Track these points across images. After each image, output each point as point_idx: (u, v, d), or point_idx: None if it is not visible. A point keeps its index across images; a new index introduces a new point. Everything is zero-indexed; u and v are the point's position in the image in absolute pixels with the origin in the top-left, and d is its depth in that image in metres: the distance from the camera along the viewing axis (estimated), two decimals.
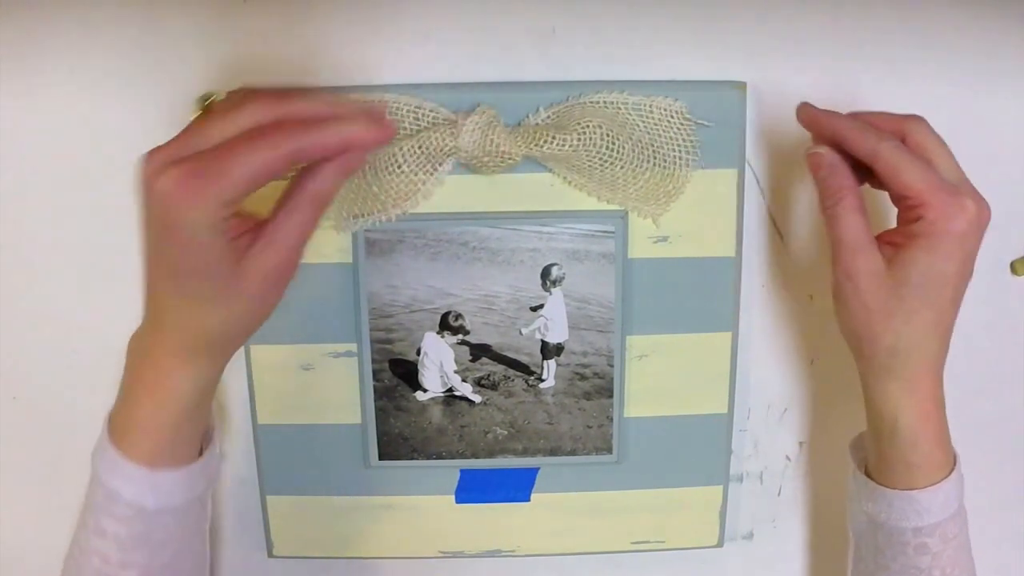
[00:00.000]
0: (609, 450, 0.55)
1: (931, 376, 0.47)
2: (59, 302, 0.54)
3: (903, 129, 0.46)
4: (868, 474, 0.50)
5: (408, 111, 0.50)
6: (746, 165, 0.52)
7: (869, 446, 0.50)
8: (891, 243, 0.46)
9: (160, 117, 0.51)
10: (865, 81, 0.52)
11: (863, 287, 0.45)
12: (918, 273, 0.44)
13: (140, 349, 0.44)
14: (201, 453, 0.47)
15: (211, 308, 0.42)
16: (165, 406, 0.44)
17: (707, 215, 0.52)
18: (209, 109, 0.44)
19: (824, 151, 0.47)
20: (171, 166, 0.38)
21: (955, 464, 0.48)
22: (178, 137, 0.40)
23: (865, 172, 0.46)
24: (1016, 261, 0.55)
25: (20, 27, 0.50)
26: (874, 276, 0.45)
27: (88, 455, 0.56)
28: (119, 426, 0.44)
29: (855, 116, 0.47)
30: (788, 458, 0.58)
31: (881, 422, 0.48)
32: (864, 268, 0.45)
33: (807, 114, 0.48)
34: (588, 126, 0.50)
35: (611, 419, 0.55)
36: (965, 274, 0.45)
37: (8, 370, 0.55)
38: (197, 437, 0.46)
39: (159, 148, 0.40)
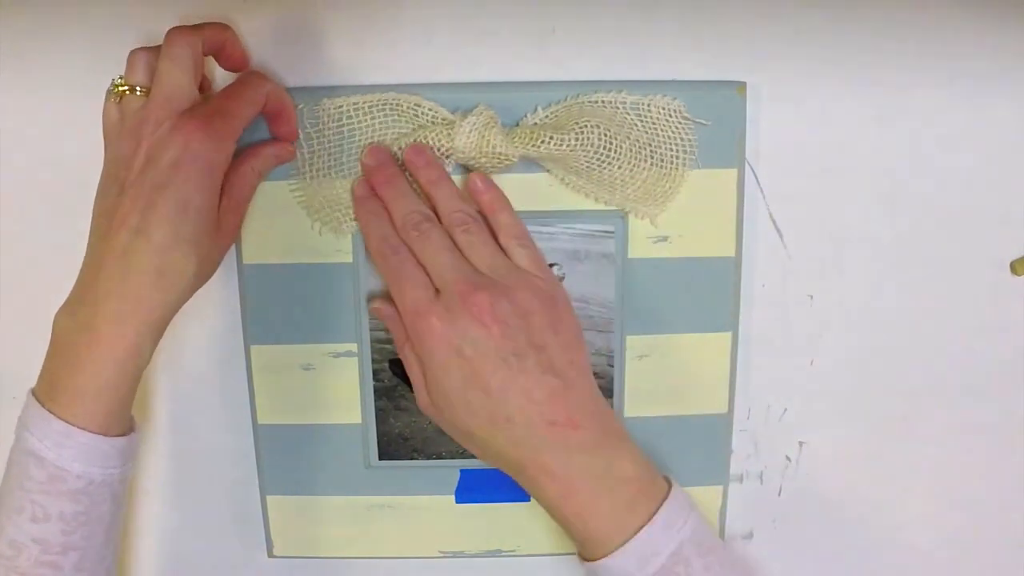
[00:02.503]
0: None
1: (543, 459, 0.45)
2: (59, 302, 0.54)
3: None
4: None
5: (407, 108, 0.50)
6: (746, 165, 0.52)
7: None
8: None
9: None
10: (865, 81, 0.52)
11: (437, 424, 0.48)
12: (437, 399, 0.47)
13: (89, 316, 0.44)
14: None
15: (194, 252, 0.45)
16: (127, 366, 0.44)
17: (707, 215, 0.52)
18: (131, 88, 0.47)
19: (379, 304, 0.50)
20: (187, 113, 0.45)
21: (646, 522, 0.45)
22: (157, 94, 0.45)
23: None
24: (1016, 261, 0.55)
25: (20, 27, 0.50)
26: (427, 409, 0.48)
27: None
28: (66, 400, 0.44)
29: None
30: (788, 458, 0.58)
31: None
32: (421, 404, 0.48)
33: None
34: (586, 126, 0.50)
35: None
36: (481, 374, 0.45)
37: (8, 370, 0.55)
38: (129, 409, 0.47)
39: (148, 106, 0.45)
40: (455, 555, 0.58)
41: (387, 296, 0.50)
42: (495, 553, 0.58)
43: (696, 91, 0.51)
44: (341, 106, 0.50)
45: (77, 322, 0.45)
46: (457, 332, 0.45)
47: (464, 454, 0.55)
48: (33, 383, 0.55)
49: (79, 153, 0.52)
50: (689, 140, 0.51)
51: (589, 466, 0.46)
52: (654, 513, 0.46)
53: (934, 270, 0.55)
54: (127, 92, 0.46)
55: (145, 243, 0.44)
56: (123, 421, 0.46)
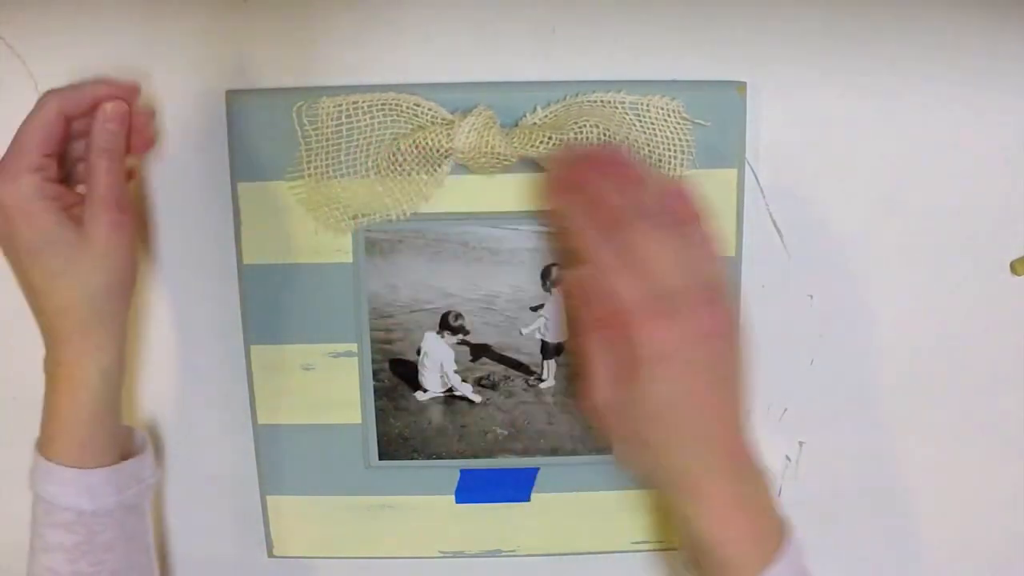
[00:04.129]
0: (609, 450, 0.55)
1: (713, 482, 0.44)
2: None
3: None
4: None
5: (407, 108, 0.50)
6: (746, 165, 0.52)
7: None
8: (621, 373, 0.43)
9: (160, 117, 0.51)
10: (865, 81, 0.52)
11: (606, 421, 0.44)
12: (633, 402, 0.43)
13: (50, 364, 0.49)
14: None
15: (73, 278, 0.46)
16: (79, 399, 0.48)
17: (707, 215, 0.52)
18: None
19: (571, 275, 0.45)
20: None
21: (780, 544, 0.44)
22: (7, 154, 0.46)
23: None
24: (1016, 261, 0.55)
25: (20, 27, 0.50)
26: (603, 402, 0.44)
27: None
28: (46, 439, 0.49)
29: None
30: (788, 458, 0.58)
31: (683, 528, 0.46)
32: (597, 396, 0.44)
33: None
34: (584, 126, 0.49)
35: None
36: (696, 391, 0.42)
37: (8, 370, 0.55)
38: (117, 436, 0.50)
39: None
40: (455, 555, 0.58)
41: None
42: (495, 553, 0.58)
43: (696, 91, 0.51)
44: (340, 105, 0.50)
45: (45, 372, 0.49)
46: (685, 342, 0.42)
47: (464, 454, 0.55)
48: (32, 383, 0.55)
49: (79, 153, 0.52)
50: (687, 141, 0.51)
51: (745, 497, 0.44)
52: (785, 547, 0.44)
53: (934, 270, 0.55)
54: None
55: (31, 292, 0.47)
56: (103, 453, 0.49)
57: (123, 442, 0.51)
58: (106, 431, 0.49)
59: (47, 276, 0.46)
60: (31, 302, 0.48)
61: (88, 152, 0.47)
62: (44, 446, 0.48)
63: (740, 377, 0.45)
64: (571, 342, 0.47)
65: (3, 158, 0.46)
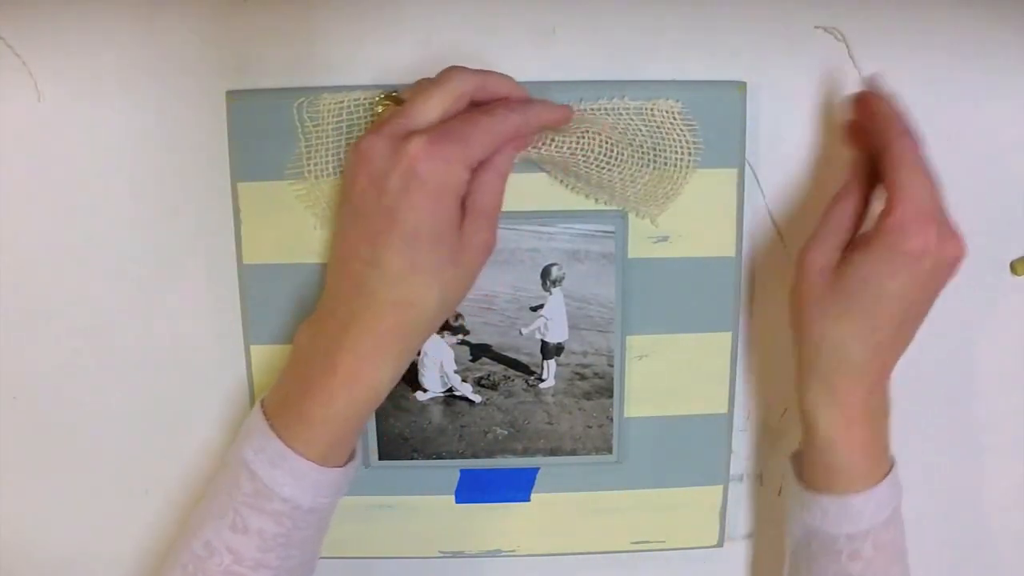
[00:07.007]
0: (609, 450, 0.55)
1: (856, 385, 0.47)
2: (59, 302, 0.54)
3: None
4: (804, 483, 0.50)
5: None
6: (746, 165, 0.52)
7: (804, 452, 0.50)
8: (855, 243, 0.46)
9: (160, 117, 0.51)
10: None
11: (807, 277, 0.47)
12: (858, 278, 0.45)
13: (329, 343, 0.44)
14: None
15: (435, 281, 0.43)
16: (360, 401, 0.44)
17: (707, 215, 0.52)
18: (396, 100, 0.46)
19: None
20: (415, 134, 0.41)
21: (888, 472, 0.49)
22: (396, 115, 0.43)
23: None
24: (1016, 261, 0.55)
25: (20, 27, 0.50)
26: (820, 270, 0.47)
27: (87, 454, 0.56)
28: (290, 421, 0.44)
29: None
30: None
31: (803, 422, 0.49)
32: (814, 260, 0.47)
33: (860, 98, 0.49)
34: (587, 132, 0.49)
35: (611, 419, 0.55)
36: (915, 299, 0.45)
37: (8, 370, 0.55)
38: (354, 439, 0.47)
39: (383, 123, 0.43)
40: (455, 555, 0.58)
41: None
42: (495, 553, 0.58)
43: (696, 91, 0.51)
44: (342, 101, 0.50)
45: (316, 347, 0.44)
46: (934, 256, 0.44)
47: (464, 454, 0.55)
48: (33, 382, 0.55)
49: (79, 154, 0.52)
50: (693, 141, 0.51)
51: (874, 416, 0.48)
52: (888, 472, 0.48)
53: None
54: (387, 104, 0.46)
55: (379, 276, 0.42)
56: (344, 452, 0.46)
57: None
58: (353, 436, 0.46)
59: (414, 265, 0.42)
60: (368, 277, 0.42)
61: (485, 172, 0.44)
62: (284, 429, 0.44)
63: (923, 319, 0.47)
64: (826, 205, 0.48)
65: (446, 140, 0.41)
